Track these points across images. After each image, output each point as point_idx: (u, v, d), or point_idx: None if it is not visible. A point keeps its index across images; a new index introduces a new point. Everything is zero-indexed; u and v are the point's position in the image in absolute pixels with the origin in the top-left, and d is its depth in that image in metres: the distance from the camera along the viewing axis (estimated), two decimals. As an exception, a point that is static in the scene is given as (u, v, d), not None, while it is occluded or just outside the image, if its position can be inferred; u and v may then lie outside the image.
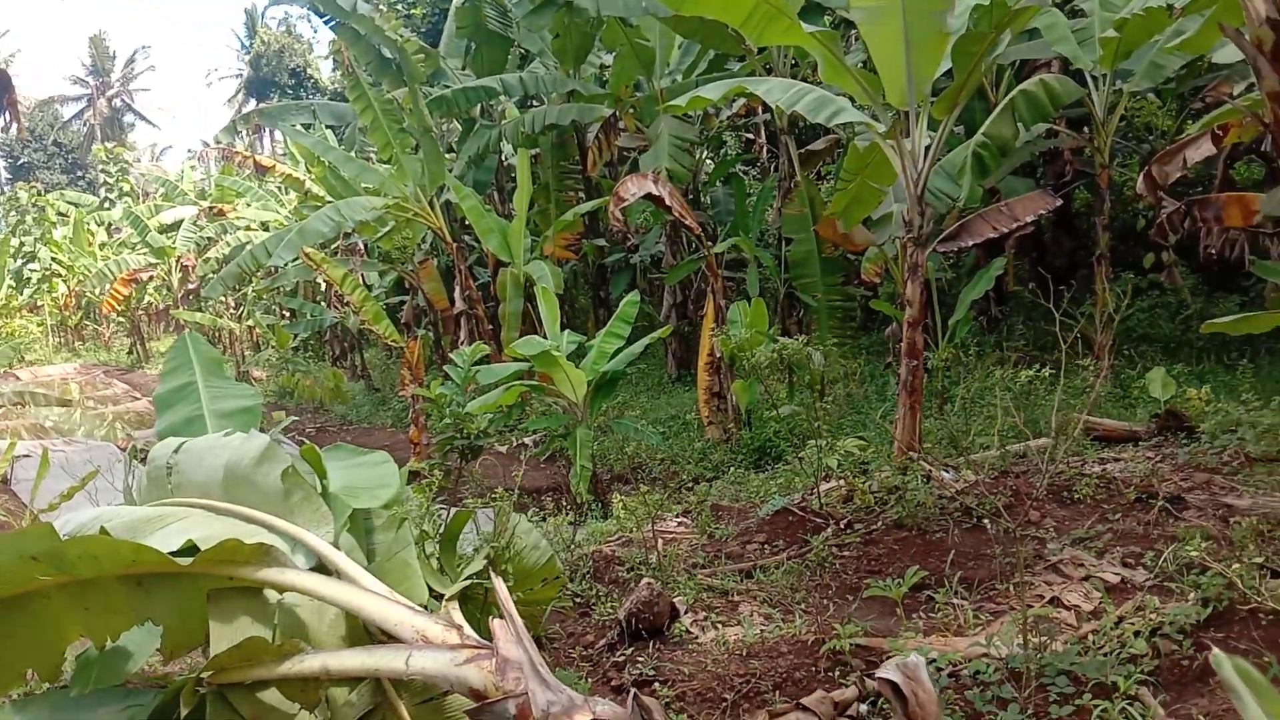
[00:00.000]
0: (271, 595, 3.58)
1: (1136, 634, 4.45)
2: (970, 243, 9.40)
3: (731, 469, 10.68)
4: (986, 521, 6.09)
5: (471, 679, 2.70)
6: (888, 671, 1.61)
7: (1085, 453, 8.22)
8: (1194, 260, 12.61)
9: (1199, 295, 13.32)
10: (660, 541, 6.97)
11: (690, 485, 9.95)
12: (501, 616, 2.91)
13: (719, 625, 5.39)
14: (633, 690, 2.54)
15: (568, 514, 7.87)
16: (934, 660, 4.28)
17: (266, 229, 23.35)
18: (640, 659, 4.96)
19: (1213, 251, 10.22)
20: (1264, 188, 10.89)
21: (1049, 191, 10.37)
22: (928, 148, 7.60)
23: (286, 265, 17.99)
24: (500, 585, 2.96)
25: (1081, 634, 4.64)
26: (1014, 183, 13.01)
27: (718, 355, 11.97)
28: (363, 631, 3.54)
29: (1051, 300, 8.54)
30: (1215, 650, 1.77)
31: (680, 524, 7.91)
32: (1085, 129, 12.47)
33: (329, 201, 16.31)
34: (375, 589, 3.39)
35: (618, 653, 5.14)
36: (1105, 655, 4.31)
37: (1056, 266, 14.43)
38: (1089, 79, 11.06)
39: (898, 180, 8.60)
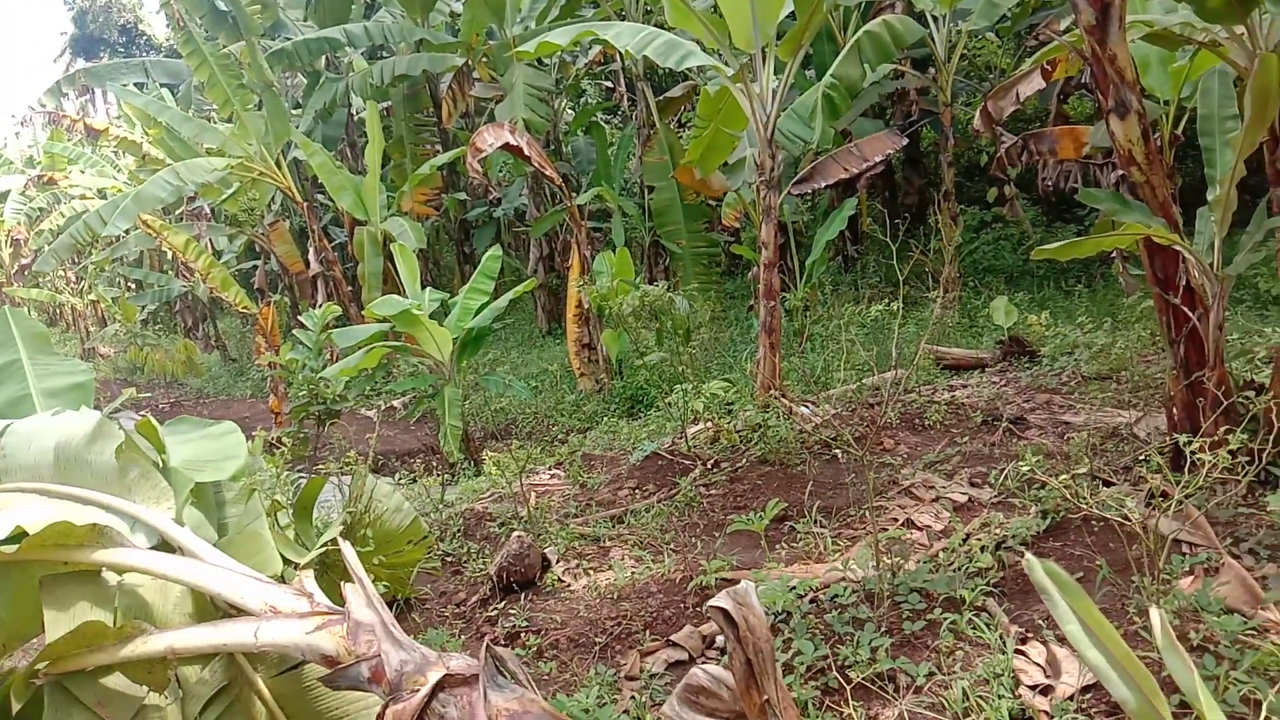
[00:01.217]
0: (111, 577, 3.40)
1: (983, 549, 4.71)
2: (823, 184, 9.60)
3: (605, 419, 10.73)
4: (838, 452, 6.31)
5: (324, 645, 2.63)
6: (720, 600, 1.64)
7: (936, 381, 8.60)
8: (1034, 193, 13.25)
9: (1039, 226, 14.03)
10: (532, 495, 6.98)
11: (563, 438, 9.97)
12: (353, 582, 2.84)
13: (590, 572, 5.44)
14: (485, 640, 2.52)
15: (439, 474, 7.76)
16: (794, 587, 4.43)
17: (104, 196, 21.90)
18: (513, 611, 4.97)
19: (1049, 183, 10.75)
20: (1094, 121, 11.47)
21: (895, 131, 10.67)
22: (775, 90, 7.68)
23: (126, 234, 16.97)
24: (348, 549, 2.88)
25: (933, 552, 4.88)
26: (864, 124, 13.34)
27: (586, 306, 11.95)
28: (211, 608, 3.41)
29: (901, 237, 8.84)
30: (1027, 555, 1.87)
31: (553, 476, 7.92)
32: (929, 69, 12.87)
33: (168, 164, 15.40)
34: (222, 563, 3.26)
35: (490, 608, 5.13)
36: (954, 571, 4.55)
37: (908, 204, 14.97)
38: (930, 19, 11.39)
39: (749, 124, 8.68)
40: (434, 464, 9.12)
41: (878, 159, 10.06)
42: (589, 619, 4.79)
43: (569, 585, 5.32)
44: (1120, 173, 5.50)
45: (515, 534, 5.45)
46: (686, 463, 7.25)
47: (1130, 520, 3.79)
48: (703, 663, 4.25)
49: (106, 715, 3.11)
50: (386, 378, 12.17)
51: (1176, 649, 2.03)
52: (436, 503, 6.74)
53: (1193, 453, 3.86)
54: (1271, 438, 4.02)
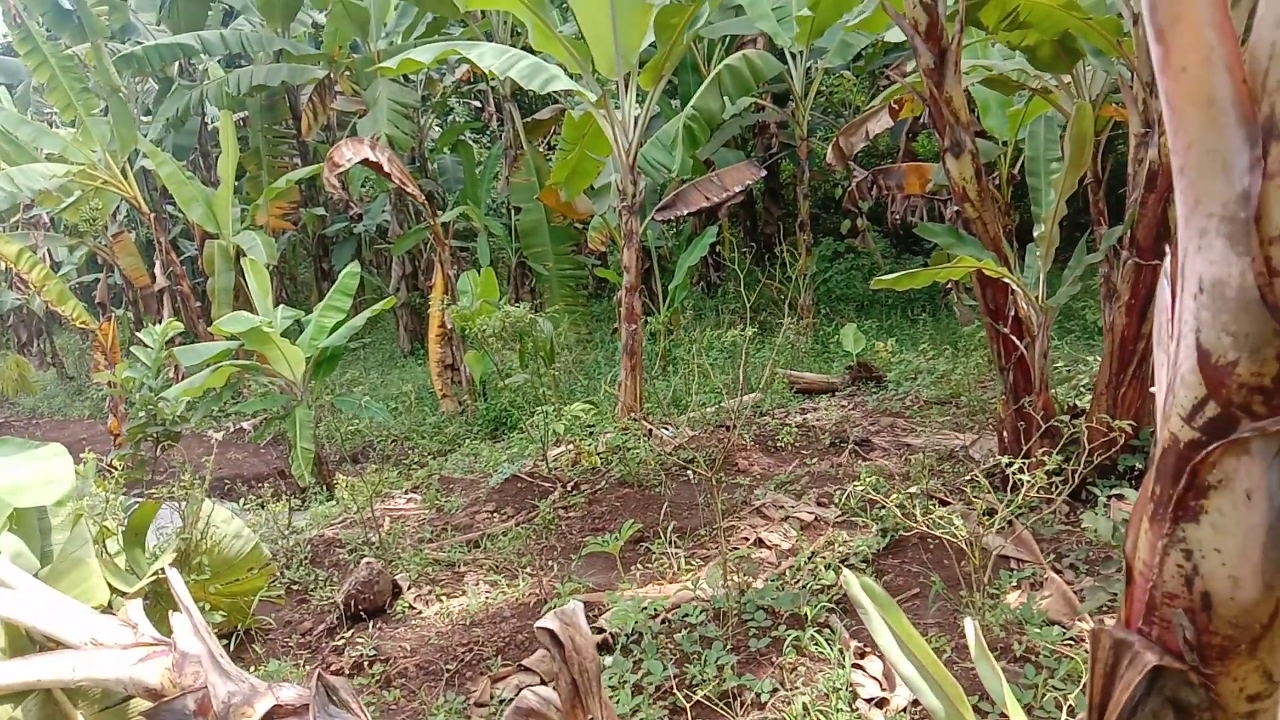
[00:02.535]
0: (-88, 613, 3.16)
1: (827, 566, 4.89)
2: (685, 211, 9.80)
3: (467, 441, 10.60)
4: (691, 473, 6.43)
5: (147, 678, 2.52)
6: (546, 621, 1.66)
7: (790, 404, 8.87)
8: (885, 226, 13.88)
9: (889, 257, 14.69)
10: (386, 520, 6.83)
11: (422, 461, 9.78)
12: (180, 612, 2.73)
13: (443, 598, 5.36)
14: (317, 670, 2.46)
15: (288, 500, 7.49)
16: (646, 607, 4.49)
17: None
18: (360, 640, 4.85)
19: (896, 217, 11.31)
20: (939, 159, 12.14)
21: (754, 163, 11.01)
22: (637, 118, 7.82)
23: (-51, 241, 15.77)
24: (174, 575, 2.76)
25: (780, 570, 5.03)
26: (727, 154, 13.71)
27: (449, 326, 11.79)
28: (28, 642, 3.21)
29: (760, 265, 9.11)
30: (845, 571, 1.97)
31: (409, 500, 7.77)
32: (788, 104, 13.34)
33: (1, 169, 14.41)
34: (40, 594, 3.08)
35: (337, 636, 4.98)
36: (800, 588, 4.70)
37: (768, 234, 15.41)
38: (789, 55, 11.82)
39: (613, 150, 8.80)
40: (284, 489, 8.79)
41: (738, 189, 10.35)
42: (440, 646, 4.72)
43: (420, 612, 5.23)
44: (956, 208, 5.84)
45: (365, 560, 5.32)
46: (546, 485, 7.24)
47: (958, 537, 4.01)
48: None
49: (-100, 762, 2.88)
50: (236, 398, 11.67)
51: (987, 658, 2.16)
52: (284, 529, 6.50)
53: (1014, 473, 4.12)
54: (1083, 459, 4.32)
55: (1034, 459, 4.41)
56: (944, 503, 5.68)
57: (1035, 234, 6.13)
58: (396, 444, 11.14)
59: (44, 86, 13.67)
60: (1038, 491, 4.10)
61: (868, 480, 4.49)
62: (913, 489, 4.90)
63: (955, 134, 5.50)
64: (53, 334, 22.06)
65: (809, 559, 5.00)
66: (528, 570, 5.62)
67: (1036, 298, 5.79)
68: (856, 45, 11.27)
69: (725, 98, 9.09)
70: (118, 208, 16.26)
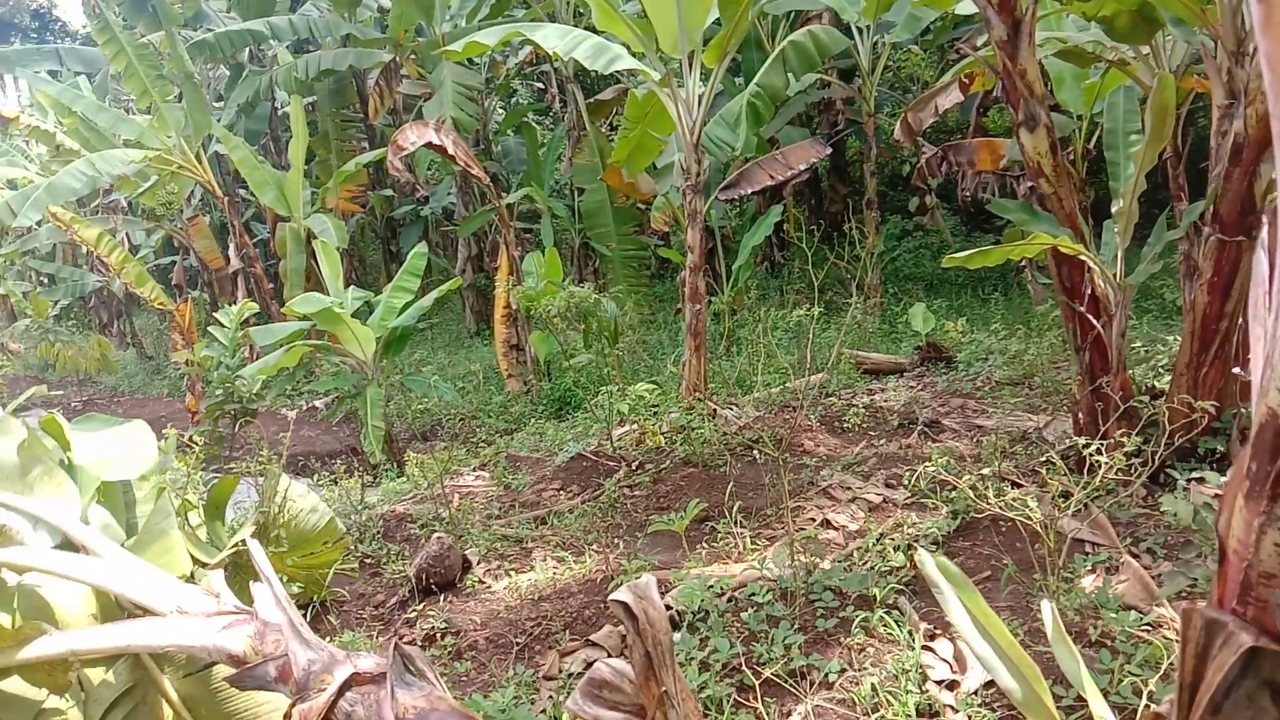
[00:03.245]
0: (11, 577, 3.30)
1: (895, 548, 4.83)
2: (749, 190, 9.72)
3: (532, 421, 10.71)
4: (758, 452, 6.41)
5: (231, 645, 2.59)
6: (620, 594, 1.67)
7: (856, 385, 8.77)
8: (954, 203, 13.62)
9: (958, 236, 14.41)
10: (455, 496, 6.93)
11: (489, 439, 9.91)
12: (262, 582, 2.80)
13: (512, 573, 5.43)
14: (394, 640, 2.51)
15: (360, 476, 7.66)
16: (712, 586, 4.49)
17: (14, 186, 21.05)
18: (432, 613, 4.94)
19: (967, 194, 11.07)
20: (1012, 135, 11.85)
21: (820, 140, 10.86)
22: (701, 96, 7.76)
23: (37, 226, 16.37)
24: (255, 547, 2.84)
25: (847, 551, 4.99)
26: (792, 132, 13.55)
27: (514, 307, 11.90)
28: (117, 609, 3.33)
29: (825, 244, 9.01)
30: (919, 550, 1.94)
31: (477, 477, 7.88)
32: (854, 80, 13.13)
33: (83, 155, 14.88)
34: (128, 564, 3.19)
35: (409, 609, 5.08)
36: (868, 569, 4.66)
37: (833, 212, 15.22)
38: (855, 30, 11.62)
39: (677, 129, 8.75)
40: (355, 465, 8.99)
41: (802, 167, 10.23)
42: (509, 620, 4.79)
43: (489, 586, 5.31)
44: (1030, 184, 5.70)
45: (436, 535, 5.41)
46: (611, 464, 7.28)
47: (1032, 519, 3.94)
48: (621, 662, 4.29)
49: (3, 720, 3.02)
50: (308, 377, 11.94)
51: (1065, 641, 2.12)
52: (357, 504, 6.65)
53: (1091, 455, 4.02)
54: (1163, 442, 4.20)
55: (1111, 440, 4.30)
56: (1016, 485, 5.58)
57: (1113, 210, 5.95)
58: (463, 423, 11.31)
59: (121, 74, 14.07)
60: (1116, 474, 3.99)
61: (939, 461, 4.42)
62: (984, 471, 4.81)
63: (1029, 108, 5.36)
64: (132, 315, 22.78)
65: (877, 540, 4.95)
66: (594, 547, 5.66)
67: (1114, 275, 5.63)
68: (925, 19, 11.03)
69: (790, 74, 8.96)
70: (192, 192, 16.70)
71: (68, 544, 3.42)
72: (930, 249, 14.36)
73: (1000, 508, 4.03)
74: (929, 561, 1.88)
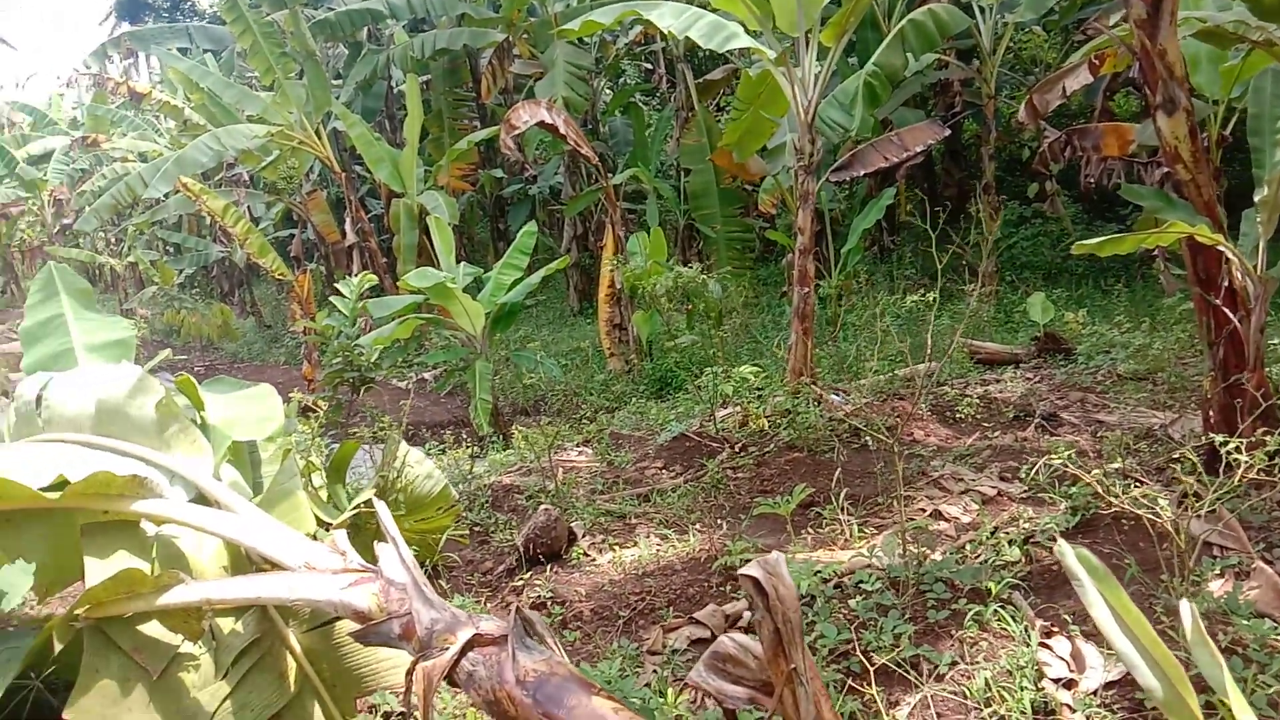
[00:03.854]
0: (150, 528, 3.48)
1: (1010, 542, 4.70)
2: (862, 172, 9.55)
3: (633, 399, 10.76)
4: (870, 438, 6.29)
5: (357, 602, 2.68)
6: (750, 569, 1.66)
7: (968, 375, 8.54)
8: (1075, 190, 13.10)
9: (1079, 224, 13.87)
10: (560, 470, 7.02)
11: (591, 416, 10.01)
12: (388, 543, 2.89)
13: (616, 547, 5.48)
14: (515, 604, 2.56)
15: (468, 447, 7.83)
16: (819, 571, 4.44)
17: (145, 160, 22.14)
18: (538, 582, 5.02)
19: (1091, 180, 10.61)
20: (1140, 119, 11.31)
21: (937, 122, 10.58)
22: (817, 76, 7.63)
23: (166, 197, 17.18)
24: (383, 508, 2.93)
25: (959, 544, 4.87)
26: (906, 114, 13.23)
27: (618, 287, 11.96)
28: (246, 562, 3.48)
29: (940, 229, 8.76)
30: (1060, 541, 1.87)
31: (580, 453, 7.96)
32: (973, 61, 12.72)
33: (209, 130, 15.54)
34: (258, 519, 3.33)
35: (516, 577, 5.18)
36: (981, 563, 4.54)
37: (947, 196, 14.82)
38: (976, 10, 11.25)
39: (790, 109, 8.62)
40: (463, 436, 9.20)
41: (918, 149, 9.99)
42: (613, 593, 4.83)
43: (594, 559, 5.36)
44: (1165, 170, 5.43)
45: (543, 507, 5.50)
46: (714, 445, 7.27)
47: (1162, 519, 3.77)
48: (724, 641, 4.29)
49: (142, 661, 3.18)
50: (418, 349, 12.26)
51: (1207, 644, 2.02)
52: (465, 474, 6.80)
53: (1229, 454, 3.82)
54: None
55: (1250, 439, 4.08)
56: (1140, 483, 5.35)
57: (1256, 198, 5.62)
58: (566, 398, 11.44)
59: (247, 52, 14.60)
60: (1254, 474, 3.79)
61: (1063, 453, 4.26)
62: (1107, 467, 4.62)
63: (1169, 90, 5.09)
64: (252, 285, 23.75)
65: (991, 534, 4.81)
66: (697, 527, 5.66)
67: (1254, 267, 5.33)
68: (1051, -1, 10.60)
69: (909, 54, 8.74)
70: (311, 167, 17.26)
71: (201, 498, 3.58)
72: (1049, 237, 13.86)
73: (1128, 505, 3.87)
74: (1069, 552, 1.81)
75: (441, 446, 7.71)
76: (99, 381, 3.90)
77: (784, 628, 1.64)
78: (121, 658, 3.18)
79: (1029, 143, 15.15)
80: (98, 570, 3.26)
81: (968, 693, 3.54)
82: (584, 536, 5.62)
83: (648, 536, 5.57)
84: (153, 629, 3.24)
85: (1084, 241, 4.69)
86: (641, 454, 7.62)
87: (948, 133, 10.61)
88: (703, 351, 10.02)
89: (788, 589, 1.65)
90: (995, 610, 4.02)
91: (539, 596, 4.80)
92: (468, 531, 5.79)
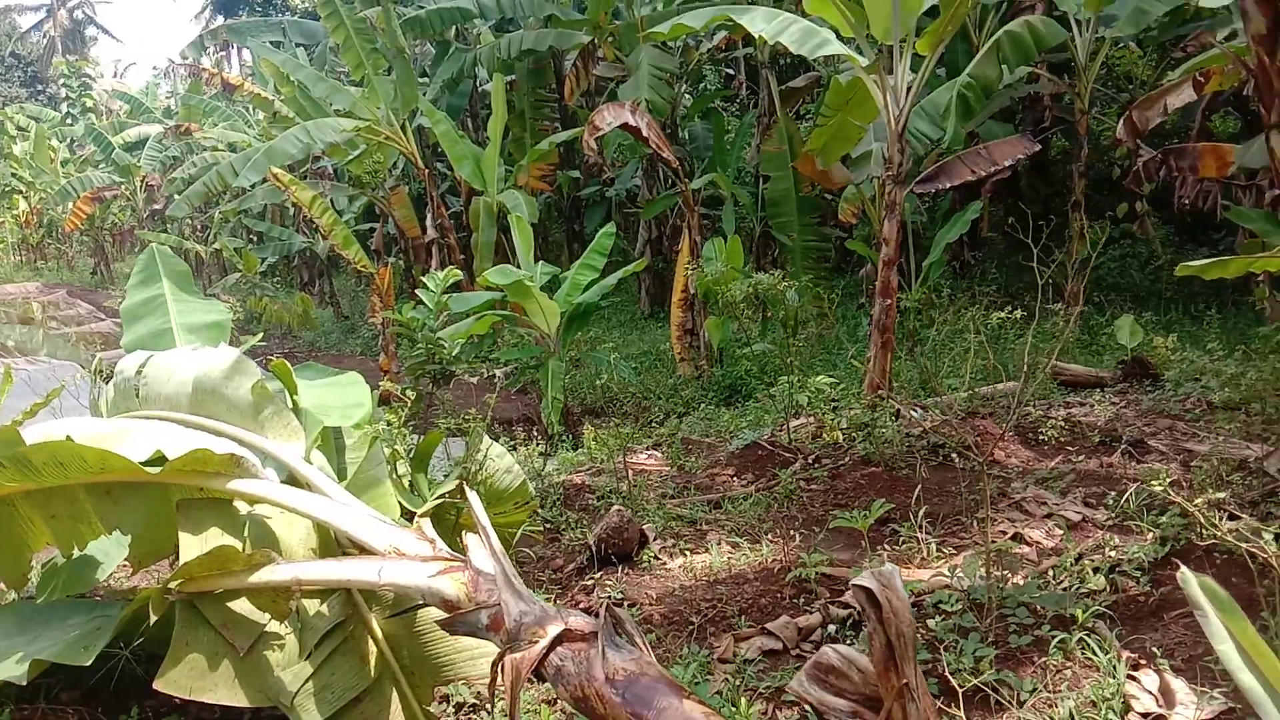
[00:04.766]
0: (242, 507, 3.56)
1: (1095, 570, 4.55)
2: (948, 184, 9.39)
3: (702, 405, 10.73)
4: (955, 456, 6.17)
5: (445, 590, 2.70)
6: (864, 579, 1.62)
7: (1051, 397, 8.33)
8: (1166, 212, 12.71)
9: (1170, 246, 13.45)
10: (630, 472, 7.02)
11: (661, 420, 10.00)
12: (475, 533, 2.90)
13: (687, 552, 5.45)
14: (606, 602, 2.55)
15: (538, 444, 7.88)
16: (898, 589, 4.36)
17: (234, 150, 22.79)
18: (609, 583, 5.02)
19: (1186, 202, 10.29)
20: (1239, 140, 10.94)
21: (1027, 136, 10.37)
22: (910, 84, 7.53)
23: (253, 187, 17.63)
24: (474, 499, 2.95)
25: (1042, 569, 4.74)
26: (992, 127, 12.97)
27: (692, 292, 11.94)
28: (334, 545, 3.54)
29: (1026, 246, 8.56)
30: (1183, 569, 1.80)
31: (650, 456, 7.96)
32: (1066, 75, 12.42)
33: (298, 123, 15.92)
34: (347, 503, 3.38)
35: (587, 576, 5.19)
36: (1065, 589, 4.41)
37: (1032, 213, 14.47)
38: (1073, 23, 10.98)
39: (878, 118, 8.52)
40: (533, 433, 9.27)
41: (1007, 163, 9.80)
42: (684, 598, 4.81)
43: (665, 563, 5.34)
44: (1276, 193, 5.23)
45: (616, 508, 5.50)
46: (786, 455, 7.20)
47: (1266, 552, 3.61)
48: (797, 655, 4.23)
49: (230, 637, 3.25)
50: (492, 346, 12.38)
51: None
52: (536, 471, 6.84)
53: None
54: None
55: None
56: (1234, 516, 5.15)
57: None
58: (635, 401, 11.45)
59: (339, 47, 14.92)
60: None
61: (1159, 481, 4.12)
62: (1205, 498, 4.46)
63: (1287, 108, 4.91)
64: (331, 276, 24.25)
65: (1075, 560, 4.68)
66: (769, 537, 5.61)
67: (1369, 297, 5.11)
68: (1152, 13, 10.27)
69: (1004, 66, 8.56)
70: (395, 162, 17.56)
71: (292, 480, 3.66)
72: (1138, 258, 13.46)
73: (1229, 536, 3.72)
74: (1192, 581, 1.73)
75: (512, 443, 7.77)
76: (197, 362, 4.00)
77: (897, 642, 1.61)
78: (211, 633, 3.25)
79: (1119, 161, 14.74)
80: (191, 546, 3.35)
81: (1050, 721, 3.44)
82: (655, 540, 5.61)
83: (719, 543, 5.54)
84: (241, 606, 3.31)
85: (1189, 263, 4.55)
86: (712, 460, 7.58)
87: (1038, 147, 10.38)
88: (776, 360, 9.93)
89: (902, 602, 1.62)
90: (1080, 639, 3.90)
91: (609, 597, 4.79)
92: (540, 529, 5.82)
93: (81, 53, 60.31)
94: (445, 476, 4.49)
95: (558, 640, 2.35)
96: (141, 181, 28.94)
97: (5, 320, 24.66)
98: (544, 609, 2.47)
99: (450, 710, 3.91)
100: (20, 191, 35.39)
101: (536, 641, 2.37)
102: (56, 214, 32.85)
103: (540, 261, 10.46)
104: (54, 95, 51.89)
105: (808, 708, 3.72)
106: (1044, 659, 3.83)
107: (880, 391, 7.63)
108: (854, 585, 1.65)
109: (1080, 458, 6.52)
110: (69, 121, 38.45)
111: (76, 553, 3.65)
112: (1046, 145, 14.56)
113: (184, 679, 3.16)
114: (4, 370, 9.59)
